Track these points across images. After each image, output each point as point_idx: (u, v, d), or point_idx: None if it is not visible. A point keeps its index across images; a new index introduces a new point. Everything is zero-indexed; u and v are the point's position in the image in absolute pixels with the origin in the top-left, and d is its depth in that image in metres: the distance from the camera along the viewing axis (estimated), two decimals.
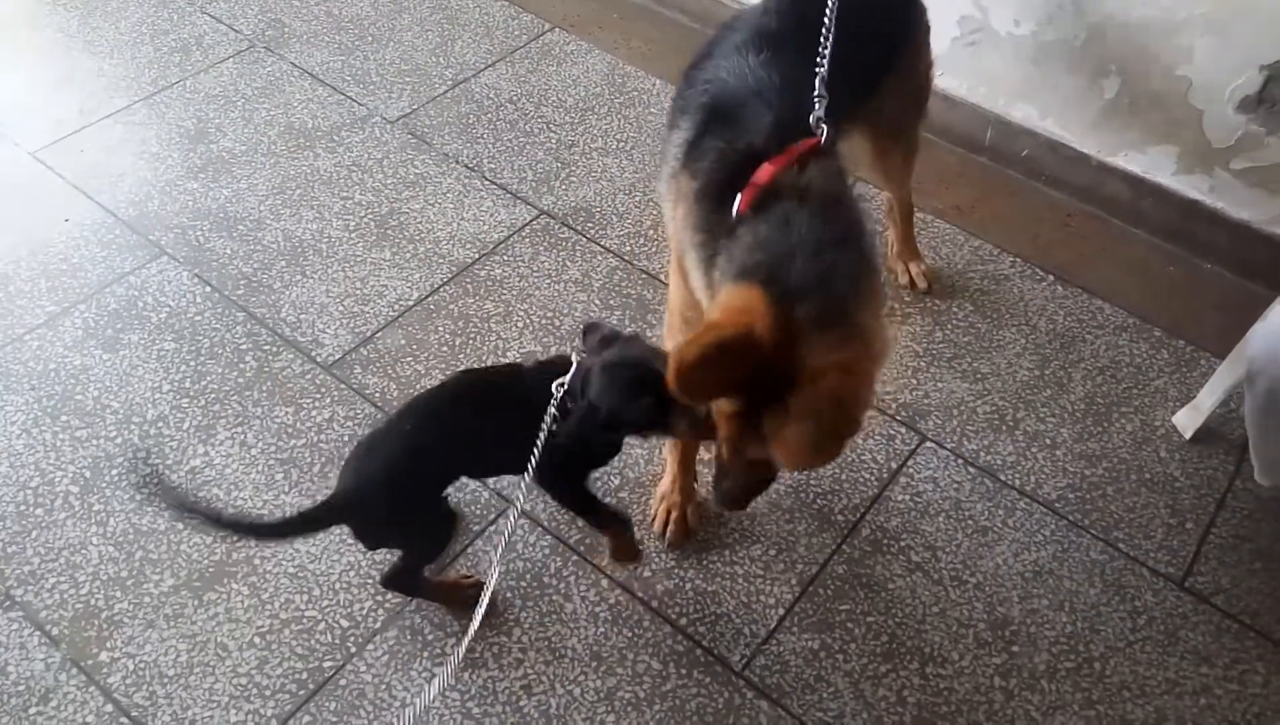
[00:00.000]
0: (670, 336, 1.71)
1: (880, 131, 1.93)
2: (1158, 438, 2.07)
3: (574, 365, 1.50)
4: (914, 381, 2.14)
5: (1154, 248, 2.47)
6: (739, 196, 1.32)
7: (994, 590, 1.82)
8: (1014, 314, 2.29)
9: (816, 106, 1.41)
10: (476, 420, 1.58)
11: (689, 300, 1.51)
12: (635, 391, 1.40)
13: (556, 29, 3.03)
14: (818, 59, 1.45)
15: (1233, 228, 2.35)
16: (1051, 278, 2.37)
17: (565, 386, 1.48)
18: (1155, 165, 2.40)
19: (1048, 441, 2.05)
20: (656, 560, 1.85)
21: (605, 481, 1.96)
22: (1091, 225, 2.52)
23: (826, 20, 1.49)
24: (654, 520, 1.89)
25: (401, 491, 1.54)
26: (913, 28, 1.85)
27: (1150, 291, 2.35)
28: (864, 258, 1.30)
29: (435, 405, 1.60)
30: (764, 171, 1.32)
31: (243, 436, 1.99)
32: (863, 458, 2.01)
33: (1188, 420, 2.06)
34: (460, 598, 1.74)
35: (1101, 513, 1.94)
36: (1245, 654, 1.77)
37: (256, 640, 1.71)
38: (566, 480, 1.65)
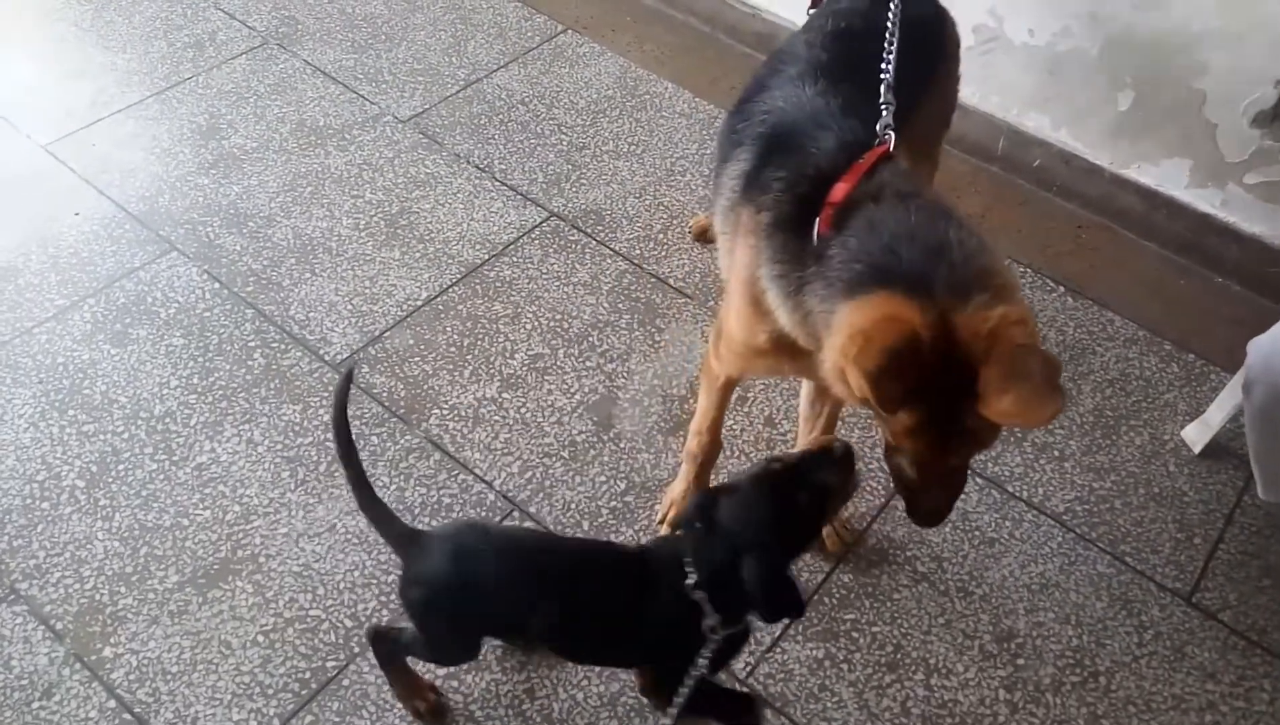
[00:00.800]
0: (720, 367, 1.66)
1: (912, 150, 1.93)
2: (1167, 452, 2.06)
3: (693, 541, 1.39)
4: None
5: (1165, 261, 2.46)
6: (817, 221, 1.29)
7: (1000, 602, 1.82)
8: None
9: (884, 113, 1.40)
10: (588, 596, 1.43)
11: (756, 334, 1.46)
12: (787, 498, 1.32)
13: (569, 31, 3.03)
14: (882, 65, 1.44)
15: (1245, 242, 2.34)
16: (1062, 289, 2.36)
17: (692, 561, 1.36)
18: (1168, 178, 2.39)
19: (1056, 453, 2.04)
20: None
21: (611, 484, 1.95)
22: (1103, 237, 2.51)
23: (890, 27, 1.49)
24: (662, 523, 1.89)
25: (456, 612, 1.43)
26: (947, 49, 1.85)
27: (1161, 304, 2.35)
28: (961, 224, 1.25)
29: (544, 562, 1.46)
30: (838, 191, 1.30)
31: (250, 434, 1.99)
32: (869, 467, 2.01)
33: (1197, 435, 2.06)
34: (415, 703, 1.61)
35: (1109, 526, 1.94)
36: (1252, 671, 1.76)
37: (260, 638, 1.71)
38: (714, 668, 1.42)
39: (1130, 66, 2.31)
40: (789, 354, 1.43)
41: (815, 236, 1.29)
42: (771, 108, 1.50)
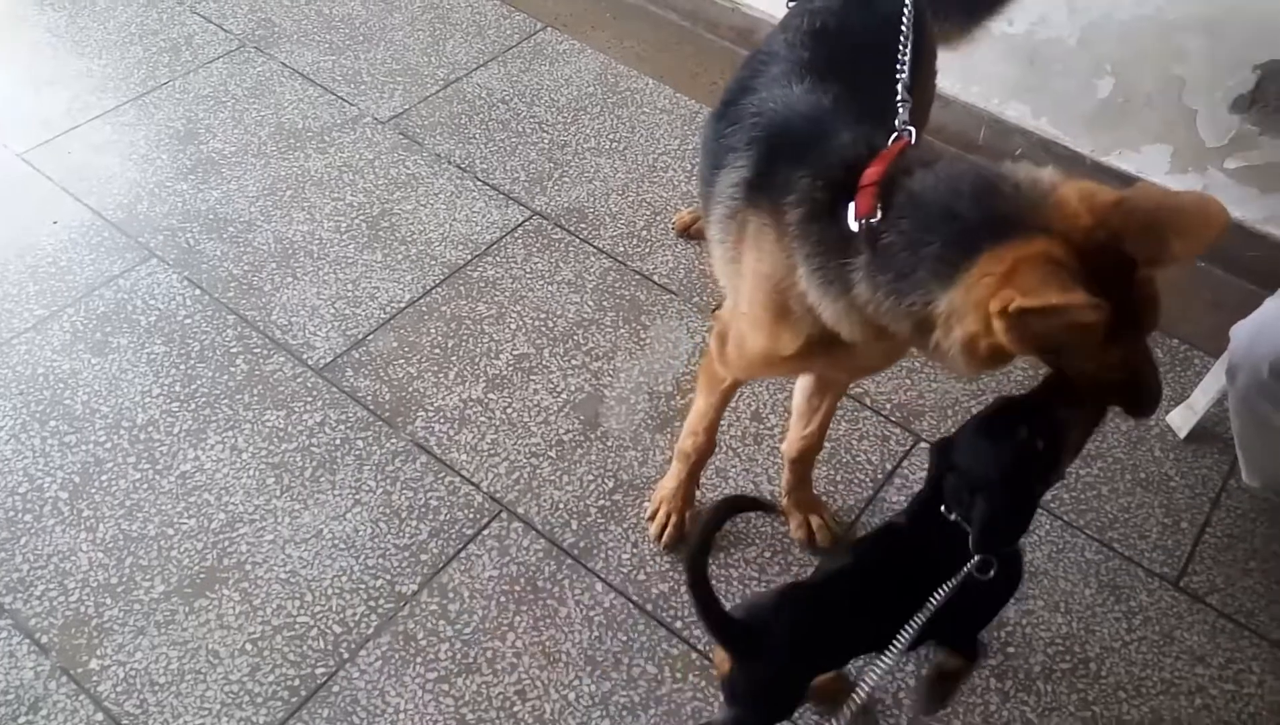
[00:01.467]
0: (727, 371, 1.63)
1: None
2: (1152, 437, 2.07)
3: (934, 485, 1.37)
4: (908, 382, 2.14)
5: None
6: (852, 207, 1.24)
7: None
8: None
9: (901, 110, 1.37)
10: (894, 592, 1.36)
11: (781, 342, 1.43)
12: (1013, 433, 1.26)
13: (549, 28, 3.02)
14: (898, 66, 1.41)
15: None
16: None
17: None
18: (1149, 164, 2.40)
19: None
20: (652, 563, 1.84)
21: (599, 483, 1.95)
22: None
23: (905, 25, 1.46)
24: (651, 520, 1.88)
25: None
26: (923, 44, 1.84)
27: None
28: (989, 166, 1.22)
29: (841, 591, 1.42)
30: (869, 175, 1.25)
31: (233, 440, 1.98)
32: (857, 458, 2.01)
33: (1182, 420, 2.06)
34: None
35: (1096, 513, 1.94)
36: (1240, 654, 1.77)
37: (248, 647, 1.70)
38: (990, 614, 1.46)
39: (1109, 54, 2.31)
40: (823, 352, 1.40)
41: (855, 223, 1.23)
42: (762, 109, 1.47)
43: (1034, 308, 1.04)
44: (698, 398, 1.76)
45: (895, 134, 1.32)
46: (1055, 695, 1.70)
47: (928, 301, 1.16)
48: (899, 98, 1.38)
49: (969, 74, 2.53)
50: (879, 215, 1.21)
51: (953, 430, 2.00)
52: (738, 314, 1.51)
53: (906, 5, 1.47)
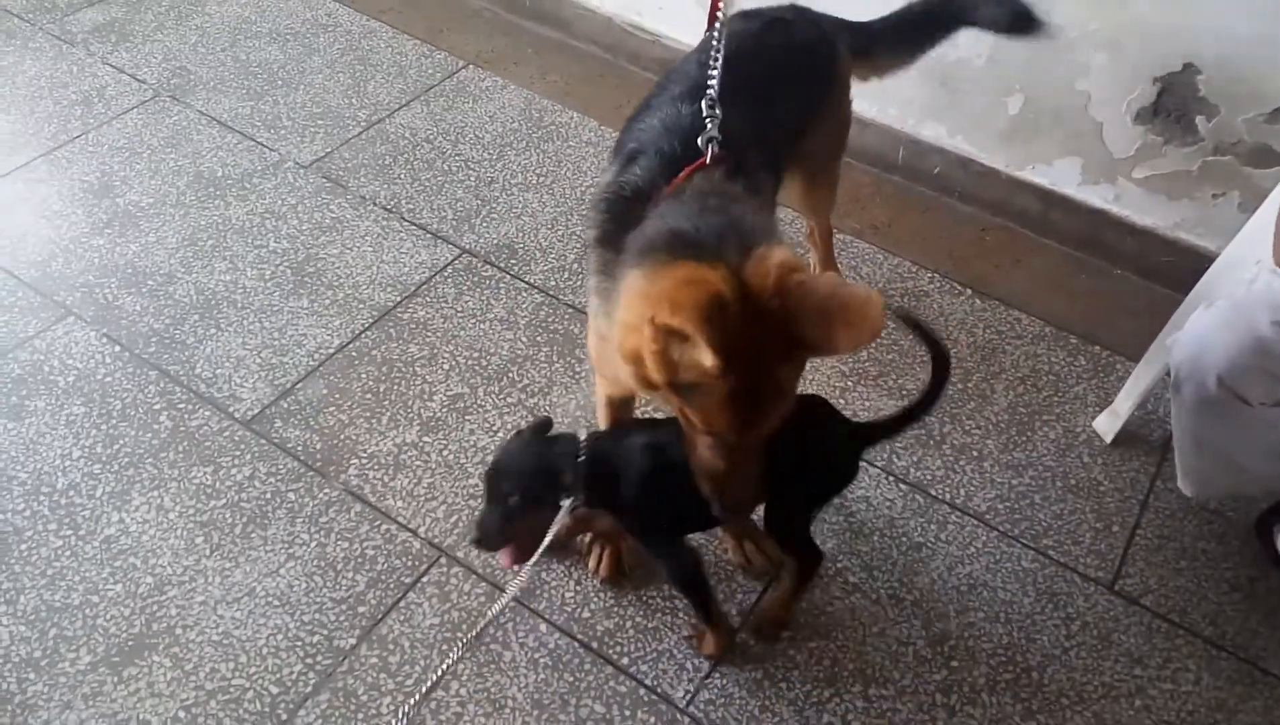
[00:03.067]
0: (600, 384, 1.71)
1: (809, 169, 1.97)
2: (1080, 444, 2.11)
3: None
4: (841, 402, 2.16)
5: (1065, 257, 2.53)
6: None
7: (931, 606, 1.84)
8: (935, 329, 2.31)
9: (708, 126, 1.43)
10: None
11: (602, 353, 1.50)
12: None
13: (470, 65, 3.02)
14: (708, 80, 1.47)
15: (1138, 234, 2.42)
16: (969, 291, 2.42)
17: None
18: (1062, 177, 2.47)
19: (974, 454, 2.08)
20: (596, 599, 1.82)
21: None
22: (1005, 238, 2.57)
23: (715, 45, 1.51)
24: (587, 555, 1.87)
25: None
26: (834, 72, 1.89)
27: (1064, 300, 2.41)
28: (749, 206, 1.31)
29: None
30: (655, 202, 1.34)
31: (159, 500, 1.92)
32: None
33: (1107, 425, 2.11)
34: None
35: (1030, 521, 1.97)
36: (1176, 653, 1.80)
37: (181, 714, 1.64)
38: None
39: (1016, 73, 2.38)
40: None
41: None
42: (647, 126, 1.52)
43: (673, 328, 1.10)
44: (598, 418, 1.79)
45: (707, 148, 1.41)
46: (1000, 706, 1.71)
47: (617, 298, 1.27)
48: (705, 115, 1.44)
49: (885, 97, 2.58)
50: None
51: (887, 448, 2.03)
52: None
53: (719, 27, 1.51)
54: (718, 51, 1.49)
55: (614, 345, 1.29)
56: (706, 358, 1.08)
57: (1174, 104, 2.22)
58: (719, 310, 1.11)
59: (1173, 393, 1.77)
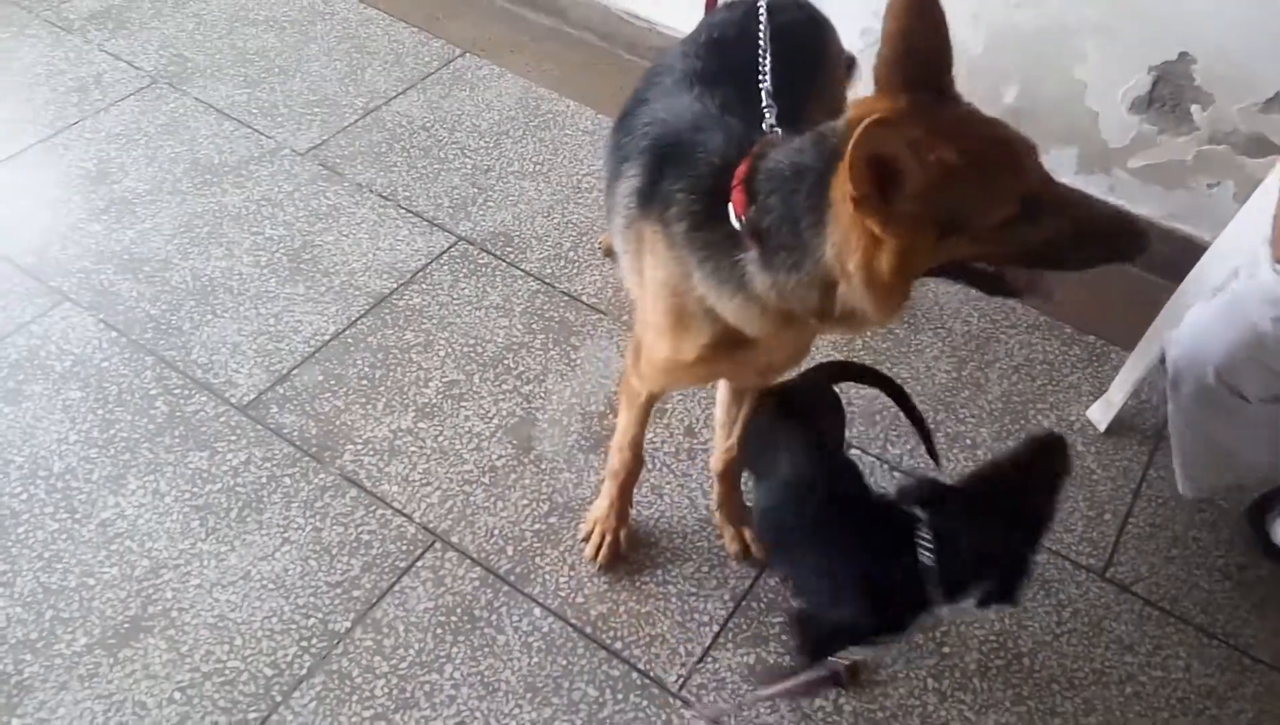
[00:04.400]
0: (641, 384, 1.65)
1: None
2: (1074, 432, 2.12)
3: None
4: (837, 390, 2.16)
5: None
6: (730, 208, 1.27)
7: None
8: (930, 318, 2.33)
9: (767, 115, 1.41)
10: None
11: (685, 348, 1.44)
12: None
13: (467, 54, 3.01)
14: (759, 75, 1.45)
15: None
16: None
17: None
18: (1057, 166, 2.43)
19: (968, 442, 2.09)
20: (590, 584, 1.83)
21: (533, 507, 1.94)
22: None
23: (762, 38, 1.50)
24: (586, 541, 1.88)
25: None
26: (825, 52, 1.88)
27: (1059, 289, 2.41)
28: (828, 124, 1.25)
29: None
30: (738, 174, 1.28)
31: (155, 484, 1.93)
32: None
33: (1101, 414, 2.12)
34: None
35: None
36: (1167, 640, 1.81)
37: (176, 695, 1.65)
38: None
39: (1013, 61, 2.38)
40: (727, 354, 1.42)
41: (737, 221, 1.26)
42: (653, 119, 1.50)
43: (877, 155, 1.02)
44: (620, 414, 1.77)
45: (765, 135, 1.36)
46: (991, 692, 1.73)
47: (818, 257, 1.18)
48: (764, 104, 1.42)
49: None
50: (751, 208, 1.24)
51: (880, 436, 2.04)
52: (644, 323, 1.52)
53: (761, 16, 1.50)
54: (765, 46, 1.48)
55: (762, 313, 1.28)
56: (920, 138, 1.02)
57: (1169, 93, 2.22)
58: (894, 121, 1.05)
59: (1170, 389, 1.77)
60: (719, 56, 1.58)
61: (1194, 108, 2.21)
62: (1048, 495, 1.35)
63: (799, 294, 1.23)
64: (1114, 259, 1.17)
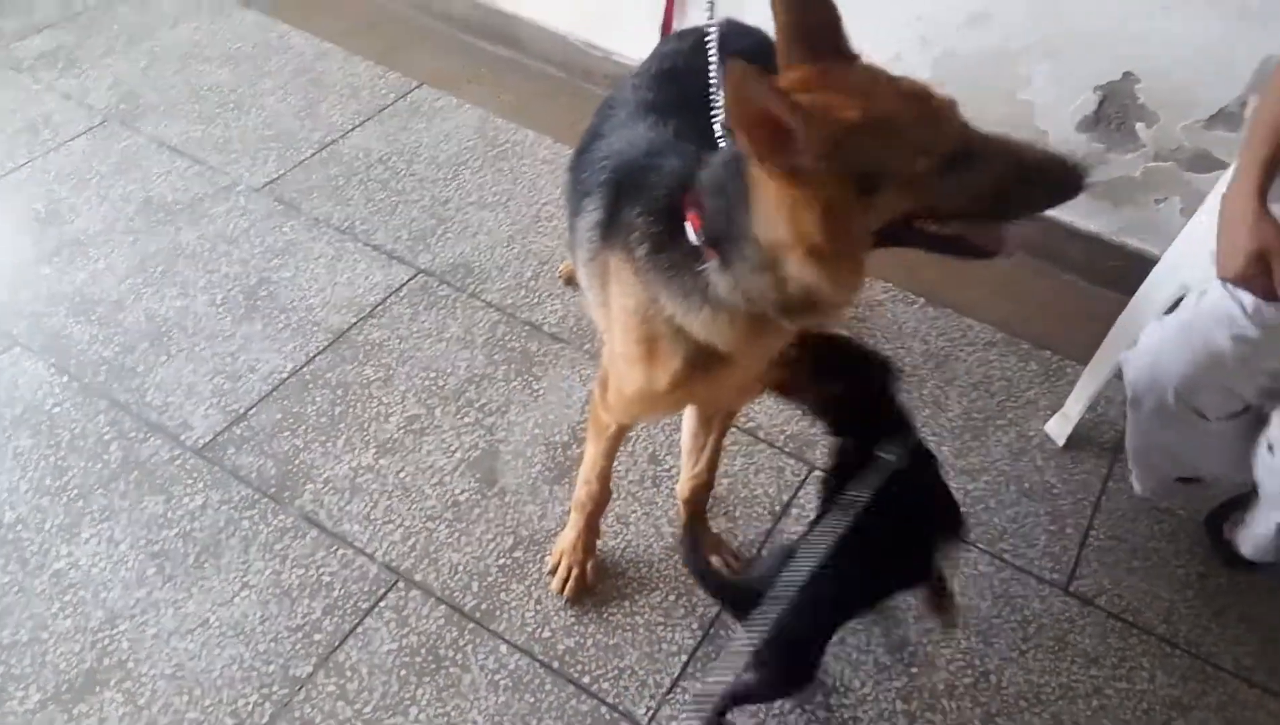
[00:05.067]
0: (611, 416, 1.64)
1: None
2: (1033, 447, 2.14)
3: None
4: (800, 412, 2.17)
5: (1015, 264, 2.54)
6: (688, 225, 1.28)
7: (889, 613, 1.84)
8: (889, 337, 2.34)
9: (721, 144, 1.42)
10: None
11: (657, 377, 1.43)
12: None
13: (424, 85, 3.01)
14: (712, 109, 1.46)
15: (1085, 239, 2.47)
16: (922, 300, 2.44)
17: None
18: None
19: None
20: (556, 618, 1.82)
21: (498, 541, 1.92)
22: None
23: (713, 70, 1.51)
24: (552, 574, 1.86)
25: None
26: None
27: (1015, 306, 2.45)
28: None
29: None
30: (689, 197, 1.29)
31: (110, 532, 1.89)
32: (754, 492, 2.03)
33: (1059, 428, 2.14)
34: None
35: (986, 526, 1.99)
36: (1131, 651, 1.83)
37: None
38: None
39: (961, 83, 2.36)
40: (702, 375, 1.41)
41: (695, 236, 1.27)
42: (609, 152, 1.50)
43: (760, 111, 1.03)
44: (588, 446, 1.76)
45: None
46: (960, 711, 1.73)
47: (756, 236, 1.19)
48: (718, 135, 1.43)
49: None
50: (703, 219, 1.26)
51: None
52: (614, 355, 1.51)
53: (711, 47, 1.51)
54: (720, 79, 1.49)
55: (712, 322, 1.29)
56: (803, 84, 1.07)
57: (1115, 112, 2.27)
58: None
59: (1130, 408, 1.79)
60: (671, 87, 1.59)
61: (1139, 125, 2.25)
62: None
63: (758, 287, 1.23)
64: (1056, 198, 1.18)
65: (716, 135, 1.44)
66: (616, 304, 1.45)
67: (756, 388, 1.56)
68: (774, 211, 1.15)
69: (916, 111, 1.12)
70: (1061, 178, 1.16)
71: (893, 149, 1.09)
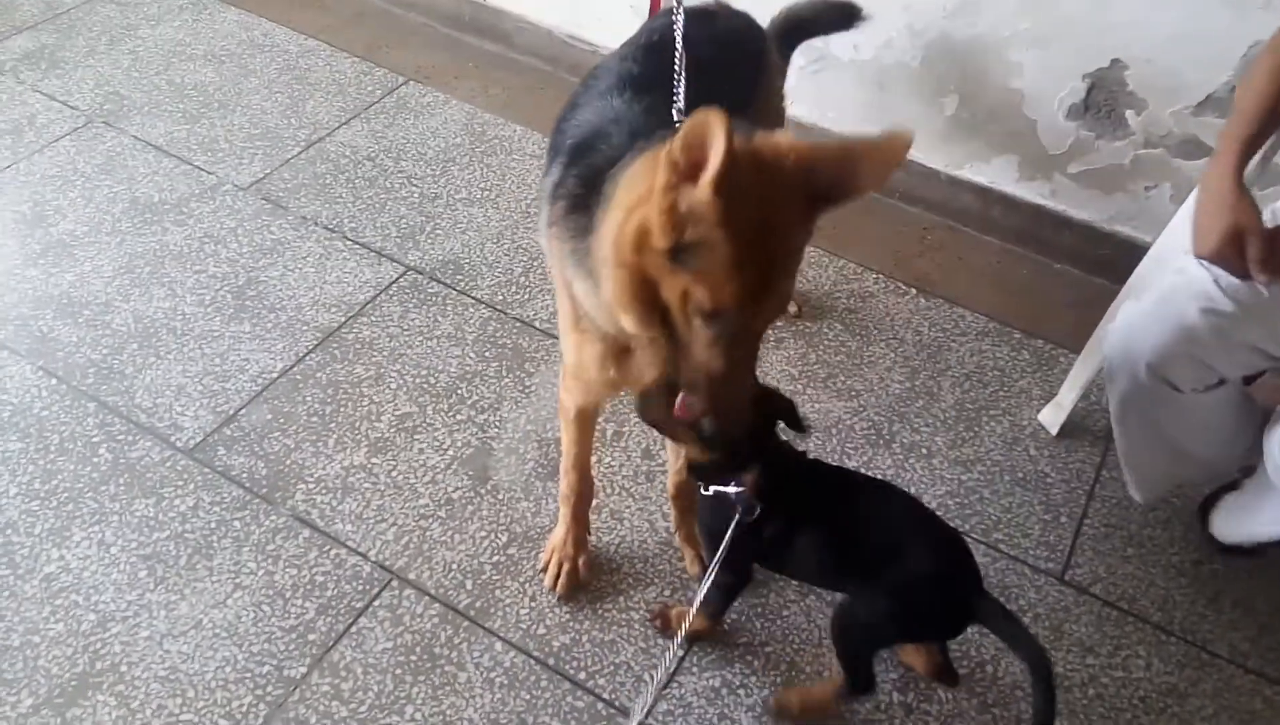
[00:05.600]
0: (569, 398, 1.65)
1: None
2: (1026, 437, 2.14)
3: None
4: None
5: (1006, 253, 2.57)
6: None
7: None
8: (881, 329, 2.34)
9: (677, 116, 1.42)
10: None
11: (584, 345, 1.44)
12: None
13: (411, 81, 3.00)
14: (673, 90, 1.46)
15: (1076, 228, 2.47)
16: (914, 291, 2.44)
17: None
18: (999, 175, 2.50)
19: (924, 451, 2.10)
20: (551, 615, 1.81)
21: (491, 538, 1.91)
22: (947, 236, 2.61)
23: (677, 51, 1.51)
24: (543, 572, 1.85)
25: None
26: (765, 60, 1.89)
27: (1007, 295, 2.45)
28: None
29: None
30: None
31: (100, 535, 1.88)
32: None
33: (1052, 417, 2.14)
34: None
35: (981, 516, 1.99)
36: (1126, 639, 1.83)
37: None
38: None
39: (951, 74, 2.41)
40: (622, 357, 1.42)
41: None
42: (581, 121, 1.51)
43: (688, 159, 1.05)
44: (562, 435, 1.75)
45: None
46: (956, 702, 1.73)
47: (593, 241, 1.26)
48: (675, 120, 1.42)
49: (823, 101, 2.60)
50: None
51: (838, 449, 2.05)
52: (560, 331, 1.53)
53: (678, 32, 1.50)
54: (680, 62, 1.48)
55: (606, 282, 1.25)
56: (705, 186, 1.04)
57: (1104, 99, 2.26)
58: (732, 141, 1.04)
59: (1107, 383, 1.79)
60: (655, 60, 1.58)
61: (1129, 113, 2.25)
62: None
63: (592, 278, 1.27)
64: (705, 414, 1.27)
65: (675, 120, 1.43)
66: (554, 273, 1.47)
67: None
68: (616, 226, 1.18)
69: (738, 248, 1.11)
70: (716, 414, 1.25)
71: (706, 264, 1.11)
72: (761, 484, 1.46)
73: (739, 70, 1.79)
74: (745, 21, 1.85)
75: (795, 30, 2.01)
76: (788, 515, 1.51)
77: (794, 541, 1.53)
